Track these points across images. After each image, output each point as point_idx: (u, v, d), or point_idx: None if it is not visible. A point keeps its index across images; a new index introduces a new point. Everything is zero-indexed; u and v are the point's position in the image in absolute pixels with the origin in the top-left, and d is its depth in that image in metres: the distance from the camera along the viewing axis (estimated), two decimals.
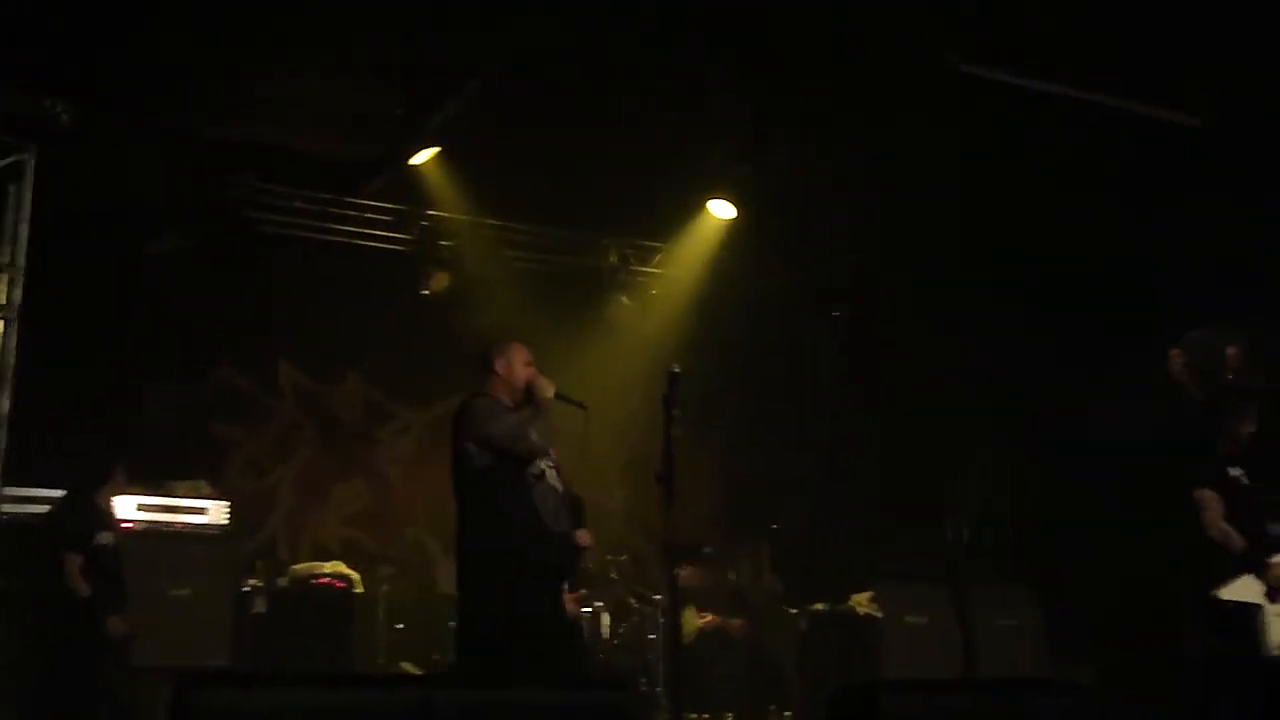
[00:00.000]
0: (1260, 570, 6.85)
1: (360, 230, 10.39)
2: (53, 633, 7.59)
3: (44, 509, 8.00)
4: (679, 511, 5.78)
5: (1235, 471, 7.07)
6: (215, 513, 8.85)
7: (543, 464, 6.19)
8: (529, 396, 6.24)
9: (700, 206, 10.55)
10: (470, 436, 6.06)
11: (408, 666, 9.22)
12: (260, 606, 8.54)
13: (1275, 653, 6.71)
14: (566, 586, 6.56)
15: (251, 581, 8.36)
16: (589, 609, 9.21)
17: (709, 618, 9.91)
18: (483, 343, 6.64)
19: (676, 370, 5.91)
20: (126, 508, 8.45)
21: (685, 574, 8.75)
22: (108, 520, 7.96)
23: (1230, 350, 7.29)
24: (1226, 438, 7.17)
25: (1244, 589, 6.87)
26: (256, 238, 10.03)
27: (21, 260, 7.51)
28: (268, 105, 8.70)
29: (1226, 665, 6.58)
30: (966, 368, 10.73)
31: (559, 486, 6.24)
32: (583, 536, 6.64)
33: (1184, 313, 8.30)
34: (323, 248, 10.28)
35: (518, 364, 6.41)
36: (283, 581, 9.29)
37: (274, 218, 10.08)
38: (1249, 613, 6.83)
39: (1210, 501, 6.98)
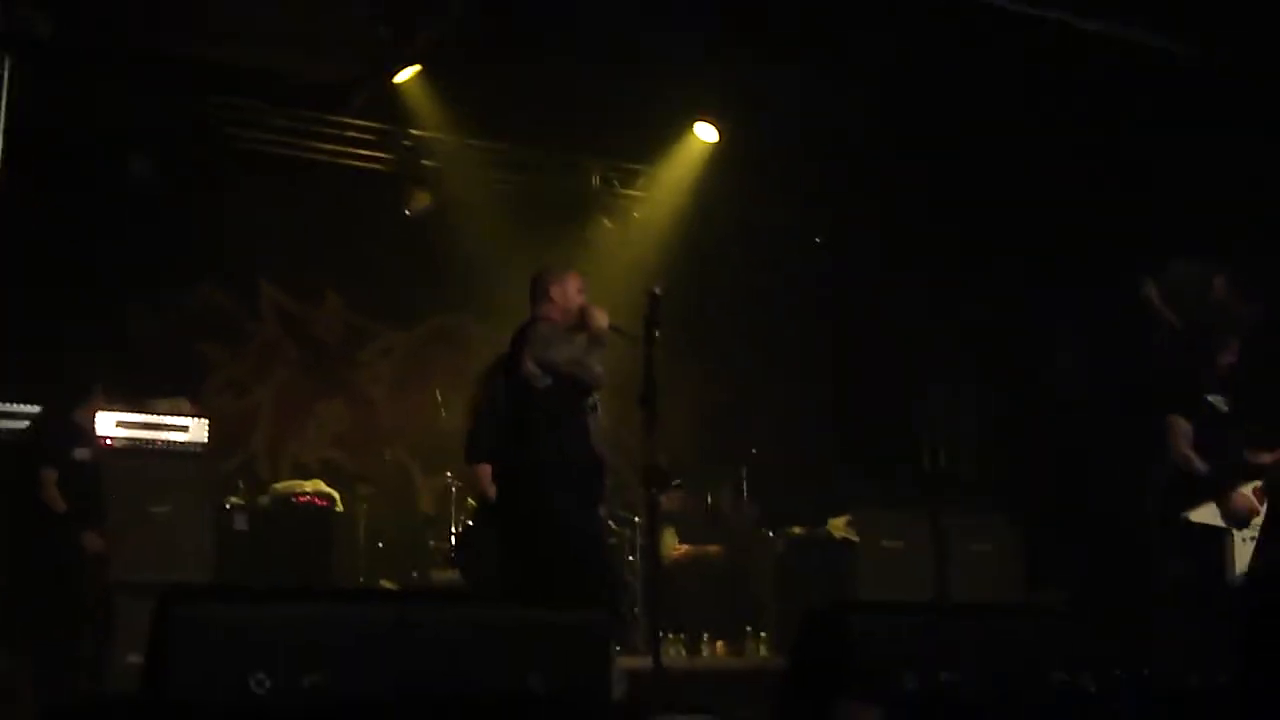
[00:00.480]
0: (1222, 497, 6.94)
1: (342, 149, 10.32)
2: (31, 547, 7.62)
3: (24, 425, 8.02)
4: (659, 434, 5.81)
5: (1214, 399, 7.13)
6: (196, 430, 8.86)
7: (595, 396, 6.30)
8: (582, 323, 6.30)
9: (686, 129, 10.51)
10: (534, 357, 6.15)
11: (387, 584, 9.30)
12: (241, 524, 8.58)
13: (1241, 577, 6.82)
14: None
15: (232, 499, 8.40)
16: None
17: (685, 549, 9.99)
18: (539, 269, 6.68)
19: (658, 291, 5.91)
20: (107, 424, 8.46)
21: (664, 499, 8.81)
22: (86, 437, 7.97)
23: (1217, 280, 7.33)
24: (1207, 366, 7.23)
25: (1211, 513, 6.97)
26: (237, 156, 9.96)
27: None
28: (245, 23, 8.60)
29: (1193, 590, 6.69)
30: (944, 297, 10.77)
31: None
32: None
33: (1163, 244, 8.34)
34: (304, 166, 10.21)
35: (572, 291, 6.48)
36: (263, 500, 9.34)
37: (255, 135, 10.00)
38: (1216, 537, 6.93)
39: (1178, 426, 7.05)
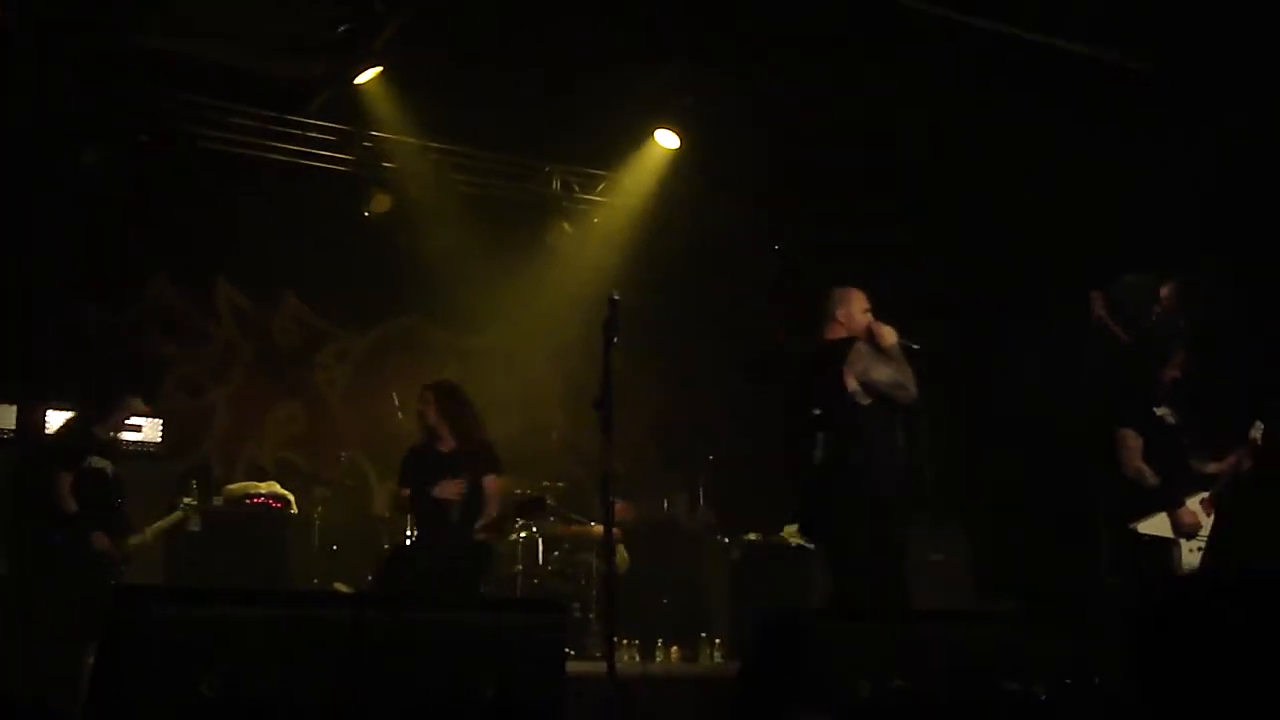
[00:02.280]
0: (1172, 509, 7.02)
1: (302, 149, 10.25)
2: (42, 549, 7.69)
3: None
4: (616, 440, 5.82)
5: (1161, 411, 7.21)
6: (149, 430, 8.80)
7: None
8: (869, 341, 6.52)
9: (646, 136, 10.52)
10: (856, 376, 6.38)
11: (341, 587, 9.25)
12: (194, 525, 8.52)
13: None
14: None
15: (185, 500, 8.33)
16: None
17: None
18: (826, 290, 6.87)
19: (616, 297, 5.93)
20: (58, 422, 8.38)
21: (619, 508, 8.82)
22: (105, 447, 8.03)
23: (1162, 291, 7.42)
24: (1153, 378, 7.31)
25: (1160, 524, 7.04)
26: (196, 154, 9.88)
27: None
28: (205, 19, 8.54)
29: (1140, 594, 6.77)
30: (898, 306, 10.81)
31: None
32: None
33: (1114, 259, 8.42)
34: (264, 166, 10.15)
35: (857, 310, 6.64)
36: (217, 500, 9.28)
37: (214, 134, 9.92)
38: (1163, 547, 7.01)
39: (1129, 440, 7.13)
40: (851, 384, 6.41)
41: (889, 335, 6.50)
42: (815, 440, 6.49)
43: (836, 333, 6.62)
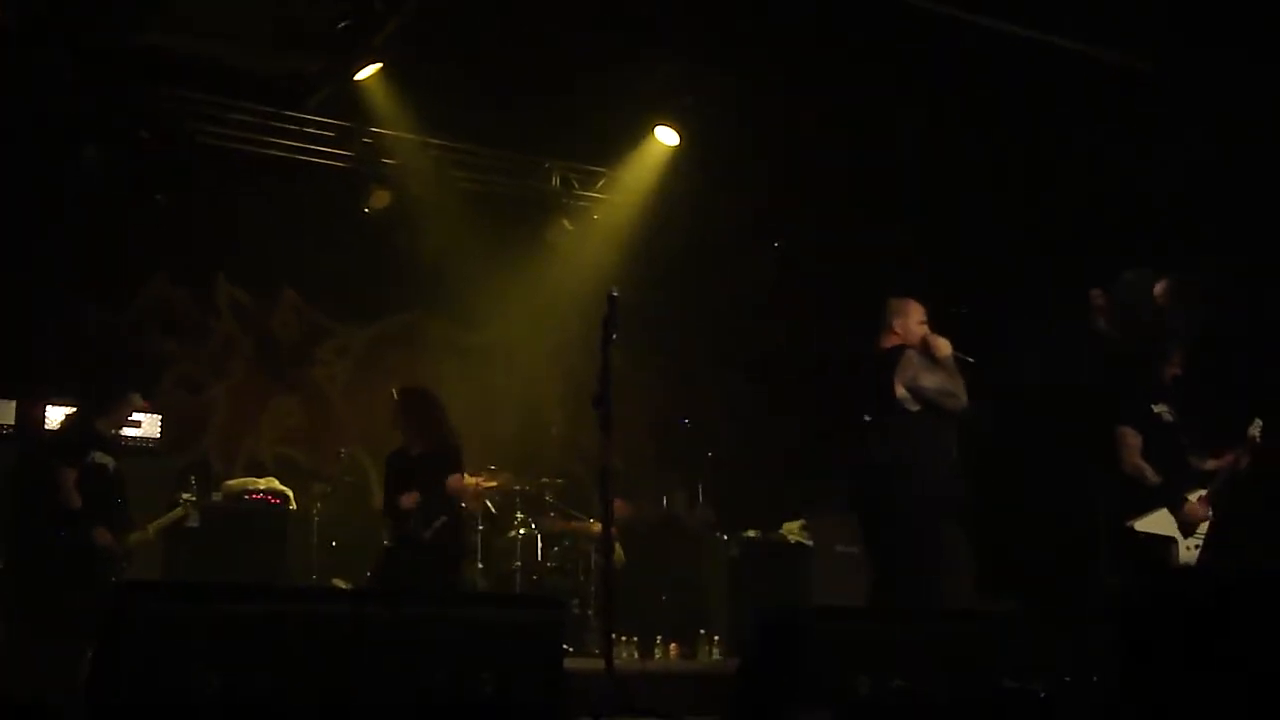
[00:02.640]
0: (1175, 506, 7.02)
1: (301, 145, 10.24)
2: (45, 543, 7.71)
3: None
4: (615, 436, 5.81)
5: (1159, 409, 7.21)
6: (148, 426, 8.81)
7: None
8: (925, 352, 6.73)
9: (646, 132, 10.51)
10: (904, 383, 6.60)
11: (340, 583, 9.25)
12: (193, 520, 8.52)
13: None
14: None
15: (184, 496, 8.32)
16: None
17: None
18: (887, 301, 7.04)
19: (615, 294, 5.92)
20: (58, 418, 8.39)
21: (617, 505, 8.86)
22: (107, 442, 8.03)
23: (1158, 288, 7.44)
24: (1152, 376, 7.31)
25: (1159, 522, 7.04)
26: (196, 150, 9.87)
27: None
28: (206, 15, 8.54)
29: (1139, 593, 6.78)
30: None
31: None
32: None
33: (1114, 259, 8.40)
34: (264, 162, 10.14)
35: (913, 322, 6.82)
36: (216, 496, 9.28)
37: (214, 130, 9.91)
38: (1162, 545, 7.01)
39: (1128, 438, 7.13)
40: (900, 390, 6.62)
41: (944, 347, 6.72)
42: (876, 440, 6.72)
43: (892, 341, 6.81)
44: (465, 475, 8.08)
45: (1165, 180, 8.38)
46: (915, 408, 6.63)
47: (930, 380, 6.63)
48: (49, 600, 7.58)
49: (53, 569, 7.65)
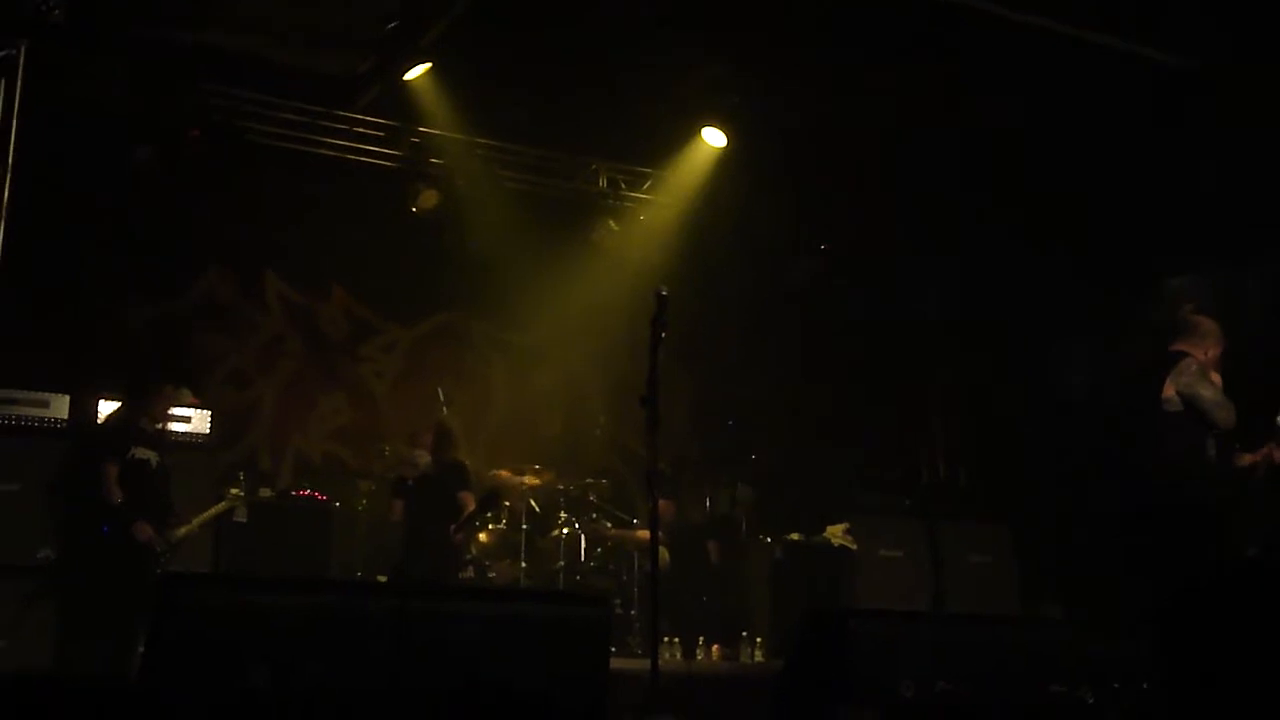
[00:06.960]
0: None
1: (350, 145, 10.32)
2: (89, 536, 7.80)
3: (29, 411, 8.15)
4: (661, 436, 5.78)
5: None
6: (198, 422, 8.87)
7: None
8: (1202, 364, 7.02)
9: (693, 134, 10.50)
10: (1177, 387, 6.91)
11: (383, 580, 9.29)
12: (241, 516, 8.60)
13: None
14: None
15: (233, 491, 8.40)
16: None
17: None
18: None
19: (664, 293, 5.86)
20: (108, 413, 8.47)
21: (661, 506, 8.88)
22: (149, 438, 8.09)
23: (1198, 290, 7.62)
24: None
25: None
26: (246, 148, 9.96)
27: (10, 158, 7.44)
28: (257, 15, 8.60)
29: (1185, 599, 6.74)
30: (947, 305, 10.77)
31: None
32: None
33: (1169, 250, 8.35)
34: (313, 161, 10.22)
35: (1211, 344, 7.08)
36: (265, 492, 9.35)
37: (264, 129, 10.00)
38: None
39: None
40: (1169, 390, 6.89)
41: (1215, 378, 7.00)
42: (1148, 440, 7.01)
43: (1195, 352, 7.00)
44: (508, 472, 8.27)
45: (1207, 181, 8.36)
46: (1176, 409, 6.88)
47: (1207, 390, 6.87)
48: (97, 593, 7.67)
49: (98, 563, 7.73)
